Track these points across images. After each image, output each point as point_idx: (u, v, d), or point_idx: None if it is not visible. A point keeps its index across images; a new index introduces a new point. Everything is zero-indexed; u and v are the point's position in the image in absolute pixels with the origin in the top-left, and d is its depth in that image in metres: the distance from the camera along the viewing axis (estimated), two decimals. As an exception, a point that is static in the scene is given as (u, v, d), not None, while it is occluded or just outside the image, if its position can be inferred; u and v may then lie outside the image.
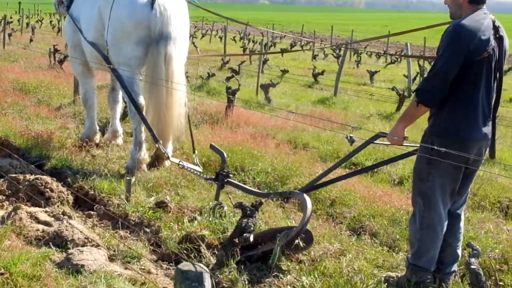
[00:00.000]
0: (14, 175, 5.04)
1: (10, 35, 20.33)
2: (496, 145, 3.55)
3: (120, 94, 6.57)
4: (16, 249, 3.58)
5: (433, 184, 3.32)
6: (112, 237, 4.09)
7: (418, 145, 3.42)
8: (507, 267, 3.85)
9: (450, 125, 3.23)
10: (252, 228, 3.58)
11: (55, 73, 11.74)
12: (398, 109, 10.57)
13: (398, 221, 4.59)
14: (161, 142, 5.40)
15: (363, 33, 42.34)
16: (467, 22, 3.19)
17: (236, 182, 4.68)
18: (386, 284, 3.54)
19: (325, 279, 3.58)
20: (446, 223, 3.44)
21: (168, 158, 5.40)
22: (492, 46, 3.22)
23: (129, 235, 4.24)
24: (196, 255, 3.74)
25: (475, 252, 3.22)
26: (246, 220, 3.58)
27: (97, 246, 3.84)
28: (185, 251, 3.81)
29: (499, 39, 3.29)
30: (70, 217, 4.28)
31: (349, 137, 3.81)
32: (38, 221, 4.16)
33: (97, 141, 6.58)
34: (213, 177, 4.68)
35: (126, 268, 3.68)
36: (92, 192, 5.02)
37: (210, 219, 4.28)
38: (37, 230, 4.01)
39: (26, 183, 4.82)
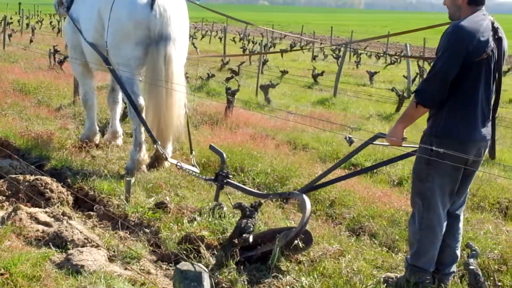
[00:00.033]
0: (14, 175, 5.05)
1: (10, 35, 20.33)
2: (496, 146, 3.55)
3: (120, 94, 6.57)
4: (16, 249, 3.59)
5: (432, 185, 3.33)
6: (112, 237, 4.10)
7: (417, 146, 3.43)
8: (506, 268, 3.85)
9: (449, 126, 3.24)
10: (251, 228, 3.59)
11: (55, 74, 11.75)
12: (397, 109, 10.58)
13: (398, 221, 4.60)
14: (159, 143, 5.41)
15: (363, 34, 42.37)
16: (466, 23, 3.20)
17: (235, 182, 4.69)
18: (385, 284, 3.54)
19: (324, 279, 3.59)
20: (445, 224, 3.45)
21: (166, 159, 5.40)
22: (491, 47, 3.23)
23: (128, 236, 4.25)
24: (196, 255, 3.75)
25: (473, 252, 3.23)
26: (245, 220, 3.59)
27: (97, 246, 3.85)
28: (184, 252, 3.82)
29: (498, 40, 3.30)
30: (70, 218, 4.29)
31: (348, 138, 3.82)
32: (38, 221, 4.17)
33: (97, 142, 6.59)
34: (213, 177, 4.69)
35: (125, 269, 3.69)
36: (92, 193, 5.03)
37: (210, 219, 4.28)
38: (37, 230, 4.02)
39: (26, 183, 4.82)
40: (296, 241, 3.68)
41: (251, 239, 3.59)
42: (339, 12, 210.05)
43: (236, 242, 3.53)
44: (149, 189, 5.09)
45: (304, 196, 3.94)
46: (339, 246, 4.08)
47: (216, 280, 3.39)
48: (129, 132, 6.97)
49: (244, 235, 3.53)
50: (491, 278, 3.40)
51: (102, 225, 4.50)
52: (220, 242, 3.87)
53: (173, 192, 5.04)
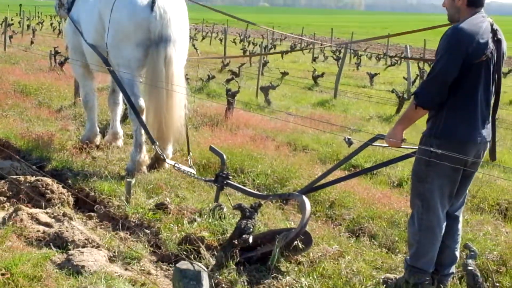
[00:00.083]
0: (15, 176, 5.07)
1: (11, 37, 20.37)
2: (496, 148, 3.57)
3: (121, 96, 6.59)
4: (17, 250, 3.61)
5: (432, 186, 3.34)
6: (112, 238, 4.11)
7: (416, 147, 3.44)
8: (506, 269, 3.86)
9: (449, 127, 3.25)
10: (251, 229, 3.60)
11: (56, 75, 11.77)
12: (397, 111, 10.58)
13: (397, 223, 4.61)
14: (157, 143, 5.42)
15: (363, 35, 42.34)
16: (465, 25, 3.21)
17: (235, 184, 4.70)
18: (384, 285, 3.55)
19: (324, 280, 3.60)
20: (444, 225, 3.46)
21: (164, 159, 5.41)
22: (491, 49, 3.24)
23: (129, 237, 4.26)
24: (196, 256, 3.76)
25: (472, 253, 3.24)
26: (245, 221, 3.60)
27: (98, 247, 3.86)
28: (184, 252, 3.83)
29: (497, 42, 3.31)
30: (70, 218, 4.30)
31: (347, 139, 3.83)
32: (39, 222, 4.18)
33: (98, 143, 6.60)
34: (213, 179, 4.71)
35: (126, 269, 3.71)
36: (93, 194, 5.05)
37: (210, 220, 4.30)
38: (38, 231, 4.03)
39: (27, 184, 4.85)
40: (295, 242, 3.69)
41: (251, 240, 3.60)
42: (340, 13, 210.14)
43: (236, 243, 3.54)
44: (150, 190, 5.11)
45: (304, 197, 3.95)
46: (339, 247, 4.09)
47: (216, 281, 3.40)
48: (129, 134, 6.99)
49: (244, 236, 3.55)
50: (490, 279, 3.41)
51: (102, 226, 4.52)
52: (220, 243, 3.89)
53: (173, 193, 5.06)
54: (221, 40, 32.85)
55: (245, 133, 7.38)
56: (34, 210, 4.37)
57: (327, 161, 6.52)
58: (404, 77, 16.02)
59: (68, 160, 5.89)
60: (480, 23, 3.25)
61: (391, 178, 6.03)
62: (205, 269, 2.19)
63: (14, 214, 4.18)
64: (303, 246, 3.76)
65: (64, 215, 4.36)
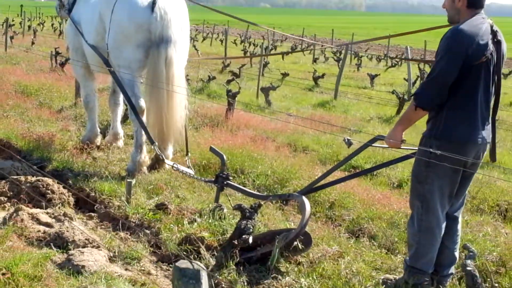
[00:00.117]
0: (16, 176, 5.08)
1: (12, 37, 20.38)
2: (496, 149, 3.58)
3: (121, 96, 6.60)
4: (17, 249, 3.62)
5: (431, 187, 3.35)
6: (112, 238, 4.12)
7: (416, 148, 3.45)
8: (505, 270, 3.87)
9: (448, 128, 3.26)
10: (251, 230, 3.61)
11: (57, 75, 11.79)
12: (398, 112, 10.59)
13: (397, 223, 4.62)
14: (156, 144, 5.43)
15: (364, 36, 42.37)
16: (465, 27, 3.22)
17: (235, 184, 4.71)
18: (384, 286, 3.56)
19: (323, 281, 3.61)
20: (444, 226, 3.47)
21: (162, 160, 5.43)
22: (491, 50, 3.25)
23: (129, 237, 4.27)
24: (196, 256, 3.77)
25: (471, 254, 3.24)
26: (245, 222, 3.61)
27: (98, 247, 3.87)
28: (185, 253, 3.83)
29: (497, 44, 3.32)
30: (71, 219, 4.31)
31: (346, 140, 3.84)
32: (39, 222, 4.19)
33: (98, 144, 6.61)
34: (213, 179, 4.72)
35: (126, 269, 3.72)
36: (93, 194, 5.06)
37: (210, 221, 4.31)
38: (39, 231, 4.05)
39: (28, 184, 4.86)
40: (295, 243, 3.70)
41: (250, 240, 3.61)
42: (341, 14, 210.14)
43: (236, 243, 3.55)
44: (150, 191, 5.12)
45: (304, 198, 3.96)
46: (339, 247, 4.10)
47: (216, 281, 3.41)
48: (130, 134, 7.00)
49: (243, 236, 3.56)
50: (489, 280, 3.42)
51: (103, 226, 4.53)
52: (220, 243, 3.90)
53: (173, 193, 5.07)
54: (221, 41, 32.86)
55: (246, 134, 7.39)
56: (34, 210, 4.38)
57: (327, 162, 6.52)
58: (404, 78, 16.03)
59: (68, 161, 5.90)
60: (480, 24, 3.26)
61: (391, 179, 6.04)
62: (204, 267, 2.20)
63: (14, 214, 4.19)
64: (303, 246, 3.77)
65: (65, 215, 4.37)
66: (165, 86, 5.37)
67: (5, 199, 4.75)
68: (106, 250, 3.88)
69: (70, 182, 5.33)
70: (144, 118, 5.62)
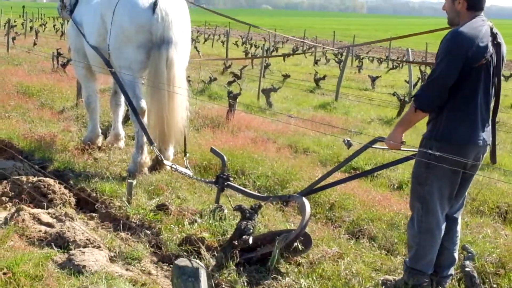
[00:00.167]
0: (17, 177, 5.10)
1: (14, 38, 20.45)
2: (496, 151, 3.58)
3: (123, 97, 6.62)
4: (19, 249, 3.63)
5: (431, 188, 3.35)
6: (113, 238, 4.13)
7: (416, 149, 3.46)
8: (504, 271, 3.87)
9: (448, 130, 3.27)
10: (251, 230, 3.62)
11: (58, 76, 11.83)
12: (399, 114, 10.60)
13: (397, 225, 4.62)
14: (155, 144, 5.45)
15: (365, 38, 42.40)
16: (465, 29, 3.23)
17: (236, 185, 4.72)
18: (383, 287, 3.57)
19: (323, 281, 3.62)
20: (444, 227, 3.48)
21: (161, 160, 5.44)
22: (490, 53, 3.26)
23: (130, 237, 4.29)
24: (196, 256, 3.78)
25: (469, 255, 3.26)
26: (245, 222, 3.62)
27: (99, 247, 3.89)
28: (185, 253, 3.85)
29: (497, 46, 3.33)
30: (72, 219, 4.33)
31: (346, 141, 3.85)
32: (40, 222, 4.21)
33: (100, 144, 6.63)
34: (214, 180, 4.73)
35: (127, 269, 3.73)
36: (94, 194, 5.08)
37: (210, 221, 4.32)
38: (40, 231, 4.06)
39: (29, 184, 4.87)
40: (295, 244, 3.71)
41: (251, 241, 3.62)
42: (342, 16, 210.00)
43: (236, 243, 3.56)
44: (151, 191, 5.13)
45: (304, 199, 3.97)
46: (338, 248, 4.10)
47: (216, 281, 3.42)
48: (131, 135, 7.01)
49: (244, 237, 3.57)
50: (488, 281, 3.43)
51: (104, 226, 4.54)
52: (220, 244, 3.91)
53: (174, 194, 5.08)
54: (223, 42, 32.89)
55: (246, 135, 7.40)
56: (36, 210, 4.40)
57: (327, 164, 6.53)
58: (405, 80, 16.03)
59: (70, 161, 5.92)
60: (480, 26, 3.27)
61: (391, 180, 6.05)
62: (203, 265, 2.21)
63: (16, 214, 4.21)
64: (303, 247, 3.78)
65: (66, 215, 4.38)
66: (166, 87, 5.39)
67: (7, 199, 4.77)
68: (107, 250, 3.89)
69: (72, 182, 5.35)
70: (145, 119, 5.63)
